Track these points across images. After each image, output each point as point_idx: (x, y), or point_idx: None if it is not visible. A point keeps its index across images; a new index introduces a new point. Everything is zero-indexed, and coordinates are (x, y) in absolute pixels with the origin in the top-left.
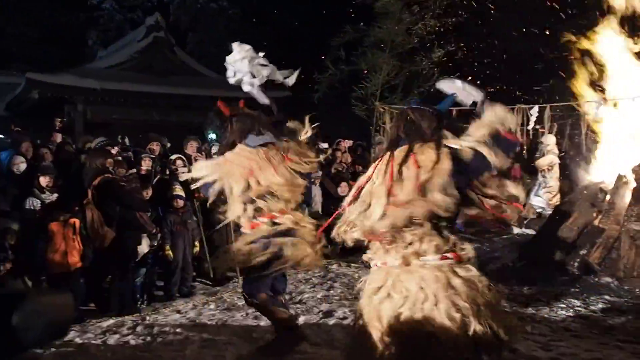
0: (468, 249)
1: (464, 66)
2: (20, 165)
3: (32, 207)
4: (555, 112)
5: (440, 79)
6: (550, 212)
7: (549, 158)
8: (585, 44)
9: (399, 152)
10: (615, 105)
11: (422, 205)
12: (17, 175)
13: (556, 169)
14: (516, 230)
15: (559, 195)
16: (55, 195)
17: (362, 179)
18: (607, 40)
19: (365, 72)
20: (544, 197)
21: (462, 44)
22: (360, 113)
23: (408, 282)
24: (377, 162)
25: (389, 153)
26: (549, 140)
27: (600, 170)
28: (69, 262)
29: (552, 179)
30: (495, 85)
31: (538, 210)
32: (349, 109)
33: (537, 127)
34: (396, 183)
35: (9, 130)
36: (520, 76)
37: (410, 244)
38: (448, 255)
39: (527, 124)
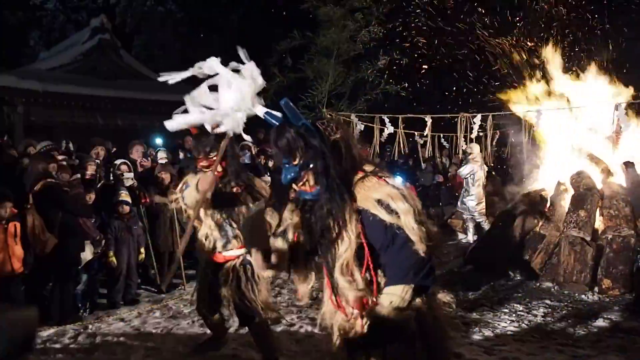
0: None
1: (409, 73)
2: None
3: None
4: (498, 120)
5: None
6: (478, 219)
7: (469, 167)
8: (527, 56)
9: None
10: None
11: None
12: None
13: (479, 177)
14: (461, 236)
15: (484, 203)
16: None
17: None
18: (549, 53)
19: (312, 79)
20: (467, 205)
21: (406, 51)
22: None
23: None
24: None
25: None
26: (473, 150)
27: (541, 178)
28: (10, 267)
29: (475, 187)
30: (441, 92)
31: (465, 217)
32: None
33: (481, 134)
34: None
35: None
36: (465, 84)
37: None
38: None
39: (471, 132)
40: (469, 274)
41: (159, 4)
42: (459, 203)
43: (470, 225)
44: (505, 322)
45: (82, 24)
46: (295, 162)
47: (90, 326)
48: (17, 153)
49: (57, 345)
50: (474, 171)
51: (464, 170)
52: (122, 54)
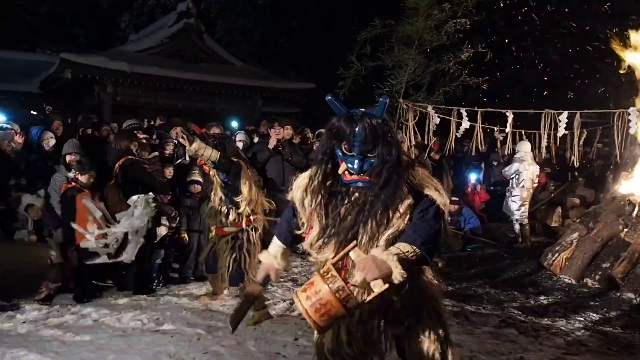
0: None
1: (492, 68)
2: (50, 140)
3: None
4: (585, 119)
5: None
6: (520, 222)
7: (514, 166)
8: (621, 48)
9: None
10: None
11: None
12: (46, 151)
13: (525, 177)
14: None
15: (526, 206)
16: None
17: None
18: None
19: (391, 68)
20: (510, 207)
21: (491, 45)
22: None
23: None
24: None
25: None
26: (520, 148)
27: (633, 182)
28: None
29: (518, 188)
30: (523, 89)
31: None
32: (372, 104)
33: (566, 132)
34: None
35: (41, 107)
36: (550, 80)
37: None
38: None
39: (556, 130)
40: (542, 278)
41: None
42: (503, 204)
43: (516, 229)
44: (579, 332)
45: (169, 8)
46: (374, 153)
47: (161, 298)
48: (111, 130)
49: (131, 314)
50: (519, 171)
51: (509, 170)
52: (205, 38)
